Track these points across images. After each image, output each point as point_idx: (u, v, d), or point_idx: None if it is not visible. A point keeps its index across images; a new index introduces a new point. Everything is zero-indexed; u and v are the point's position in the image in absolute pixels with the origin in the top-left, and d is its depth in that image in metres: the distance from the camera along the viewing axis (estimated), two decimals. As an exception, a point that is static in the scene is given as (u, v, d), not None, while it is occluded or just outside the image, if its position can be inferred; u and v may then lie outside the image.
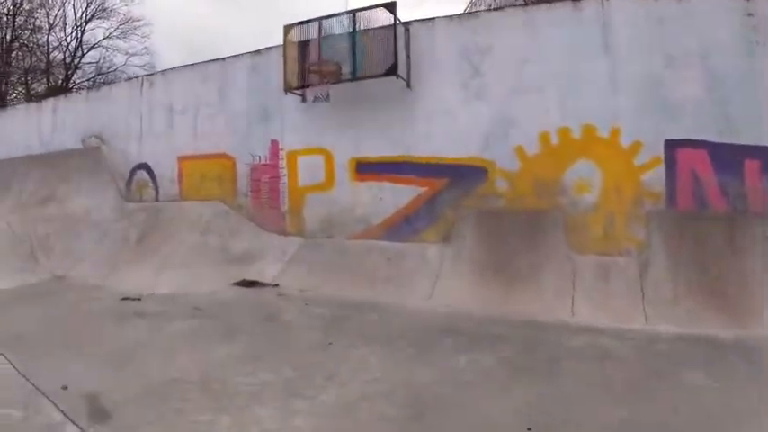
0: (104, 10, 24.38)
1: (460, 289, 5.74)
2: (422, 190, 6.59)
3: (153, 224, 7.71)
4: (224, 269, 6.73)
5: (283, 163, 7.47)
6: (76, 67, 24.10)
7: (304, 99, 7.24)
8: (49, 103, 10.34)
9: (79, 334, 4.49)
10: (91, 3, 24.08)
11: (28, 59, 22.96)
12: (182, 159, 8.23)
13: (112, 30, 24.45)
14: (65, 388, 3.30)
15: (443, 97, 6.53)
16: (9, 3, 22.33)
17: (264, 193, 7.60)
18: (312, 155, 7.27)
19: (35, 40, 23.22)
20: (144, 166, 8.59)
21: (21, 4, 22.64)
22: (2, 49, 22.38)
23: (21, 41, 22.83)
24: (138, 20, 24.50)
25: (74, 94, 10.12)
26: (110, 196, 8.49)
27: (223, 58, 8.13)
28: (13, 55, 22.75)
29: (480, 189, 6.26)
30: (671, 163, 5.36)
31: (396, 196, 6.72)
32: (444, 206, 6.43)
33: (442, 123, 6.52)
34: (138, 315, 5.11)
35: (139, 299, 5.80)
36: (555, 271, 5.58)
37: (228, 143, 7.86)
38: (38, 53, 23.23)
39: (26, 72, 22.90)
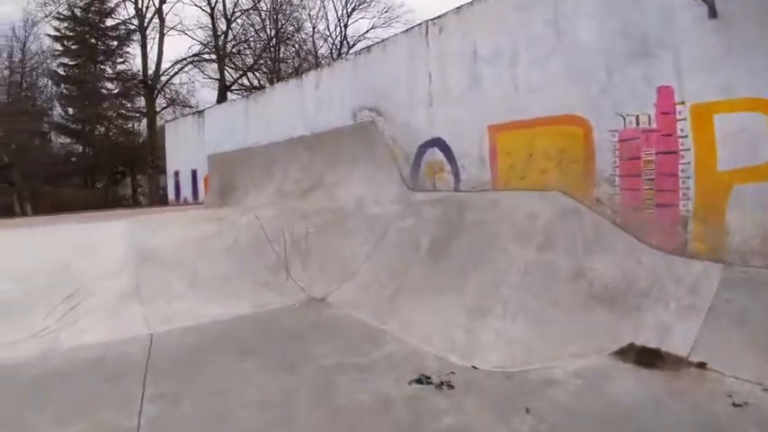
0: (364, 2, 26.07)
1: None
2: None
3: (454, 226, 5.65)
4: (586, 317, 4.27)
5: (684, 127, 4.59)
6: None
7: (714, 12, 4.34)
8: (311, 77, 9.47)
9: None
10: (349, -4, 25.87)
11: (296, 56, 25.64)
12: (496, 129, 6.00)
13: (375, 19, 25.88)
14: None
15: None
16: (269, 3, 25.03)
17: (647, 181, 4.83)
18: (743, 112, 4.22)
19: (300, 38, 25.85)
20: (437, 143, 6.67)
21: (281, 4, 25.24)
22: (268, 47, 25.38)
23: (285, 37, 25.53)
24: (400, 6, 25.53)
25: (339, 61, 9.02)
26: (390, 183, 6.85)
27: (553, -29, 5.64)
28: (281, 53, 25.54)
29: None
30: None
31: None
32: None
33: None
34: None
35: (449, 384, 3.54)
36: None
37: (575, 98, 5.32)
38: (304, 48, 25.74)
39: (296, 68, 25.32)
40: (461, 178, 6.33)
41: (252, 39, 26.89)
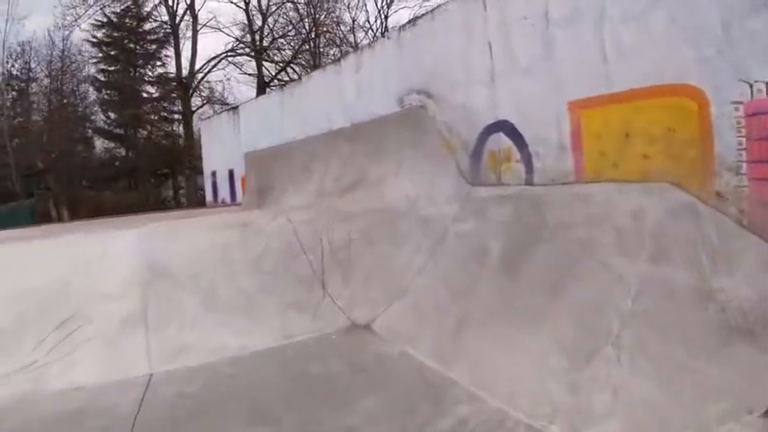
0: (403, -8, 25.69)
1: None
2: None
3: (531, 229, 4.61)
4: (724, 359, 3.16)
5: None
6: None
7: None
8: (350, 61, 8.65)
9: None
10: (389, -14, 25.34)
11: (334, 46, 25.42)
12: (579, 105, 4.96)
13: (416, 8, 25.35)
14: None
15: None
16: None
17: (790, 166, 3.74)
18: None
19: (339, 33, 25.57)
20: (502, 126, 5.67)
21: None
22: (307, 39, 25.10)
23: (323, 31, 25.22)
24: (441, -4, 24.87)
25: (380, 41, 8.14)
26: (445, 177, 5.89)
27: None
28: (321, 47, 25.28)
29: None
30: None
31: None
32: None
33: None
34: None
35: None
36: None
37: (685, 63, 4.21)
38: (345, 43, 25.47)
39: (336, 61, 25.18)
40: (535, 168, 5.29)
41: (289, 33, 26.56)
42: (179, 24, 25.87)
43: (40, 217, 17.34)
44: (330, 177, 7.67)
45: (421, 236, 5.56)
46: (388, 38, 7.76)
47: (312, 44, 26.80)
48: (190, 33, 25.82)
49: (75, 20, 24.22)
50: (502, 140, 5.65)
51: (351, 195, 6.95)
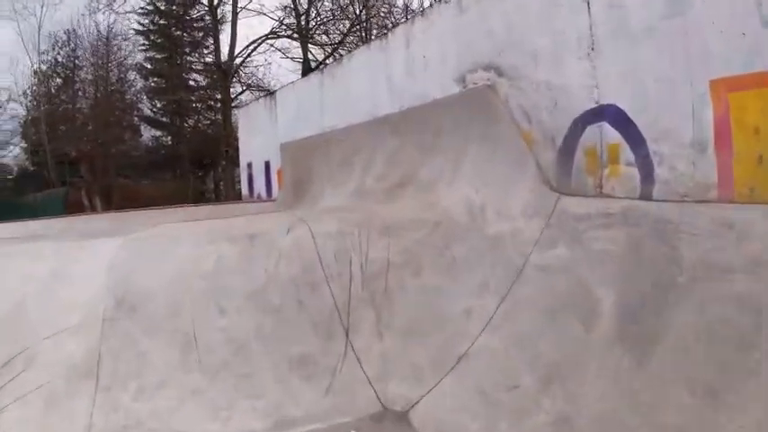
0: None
1: None
2: None
3: (660, 271, 3.13)
4: None
5: None
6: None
7: None
8: (398, 34, 7.39)
9: None
10: (434, -38, 24.19)
11: (385, 30, 24.71)
12: (728, 86, 3.43)
13: None
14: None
15: None
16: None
17: None
18: None
19: (392, 19, 24.73)
20: (606, 113, 4.19)
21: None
22: (356, 23, 24.14)
23: (374, 14, 24.32)
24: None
25: (435, 6, 6.79)
26: (522, 183, 4.47)
27: None
28: (374, 30, 24.52)
29: None
30: None
31: None
32: None
33: None
34: None
35: None
36: None
37: None
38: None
39: (382, 38, 24.47)
40: (656, 176, 3.77)
41: (338, 17, 25.49)
42: (218, 6, 25.25)
43: (71, 207, 17.10)
44: (372, 176, 6.42)
45: (488, 265, 4.13)
46: (446, 2, 6.38)
47: (362, 29, 25.70)
48: (230, 17, 25.18)
49: (109, 4, 23.91)
50: (606, 133, 4.16)
51: (395, 200, 5.66)
